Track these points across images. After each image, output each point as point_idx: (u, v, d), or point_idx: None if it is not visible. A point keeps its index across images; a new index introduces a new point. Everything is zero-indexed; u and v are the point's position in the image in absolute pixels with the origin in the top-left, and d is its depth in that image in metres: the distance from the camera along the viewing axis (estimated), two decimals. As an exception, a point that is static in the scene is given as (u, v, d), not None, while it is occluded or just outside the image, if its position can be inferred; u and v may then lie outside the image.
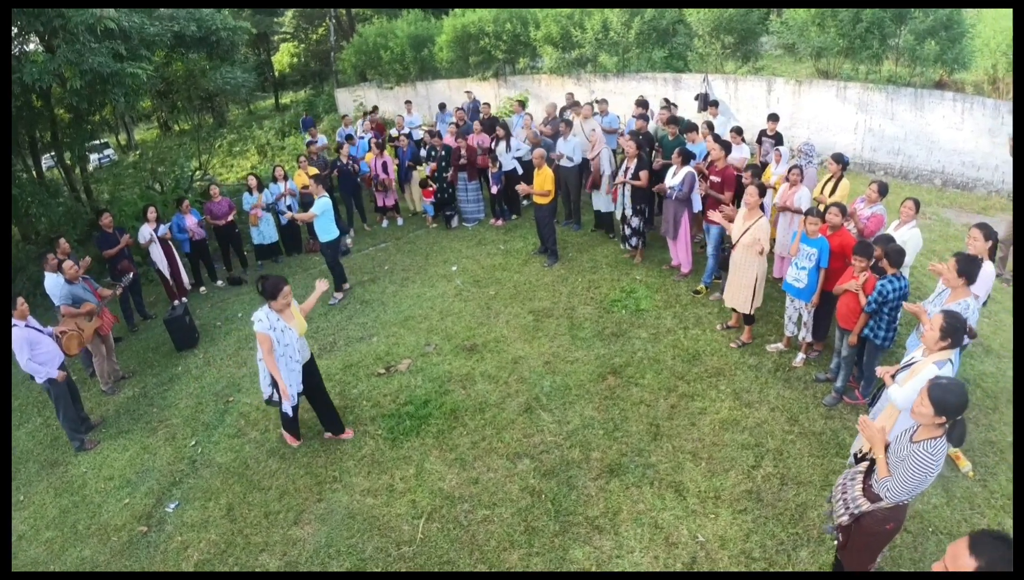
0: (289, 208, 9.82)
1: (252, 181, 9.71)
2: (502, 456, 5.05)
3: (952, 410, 2.83)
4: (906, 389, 3.50)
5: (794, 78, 11.33)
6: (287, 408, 5.13)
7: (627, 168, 7.53)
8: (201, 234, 9.18)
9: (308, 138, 13.42)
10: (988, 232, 4.59)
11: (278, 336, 4.79)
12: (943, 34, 9.59)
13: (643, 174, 7.36)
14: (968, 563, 2.18)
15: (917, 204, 5.38)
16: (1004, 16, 10.45)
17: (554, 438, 5.17)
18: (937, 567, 2.33)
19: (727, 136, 7.98)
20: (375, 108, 16.75)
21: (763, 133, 8.58)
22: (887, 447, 3.17)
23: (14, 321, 5.74)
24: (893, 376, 3.72)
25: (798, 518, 4.26)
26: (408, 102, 13.88)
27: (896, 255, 4.60)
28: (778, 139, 8.57)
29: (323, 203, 7.85)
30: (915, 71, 10.31)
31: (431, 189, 10.20)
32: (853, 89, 10.57)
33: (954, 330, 3.43)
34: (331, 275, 8.28)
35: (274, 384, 4.97)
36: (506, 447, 5.14)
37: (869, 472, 3.28)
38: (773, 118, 8.64)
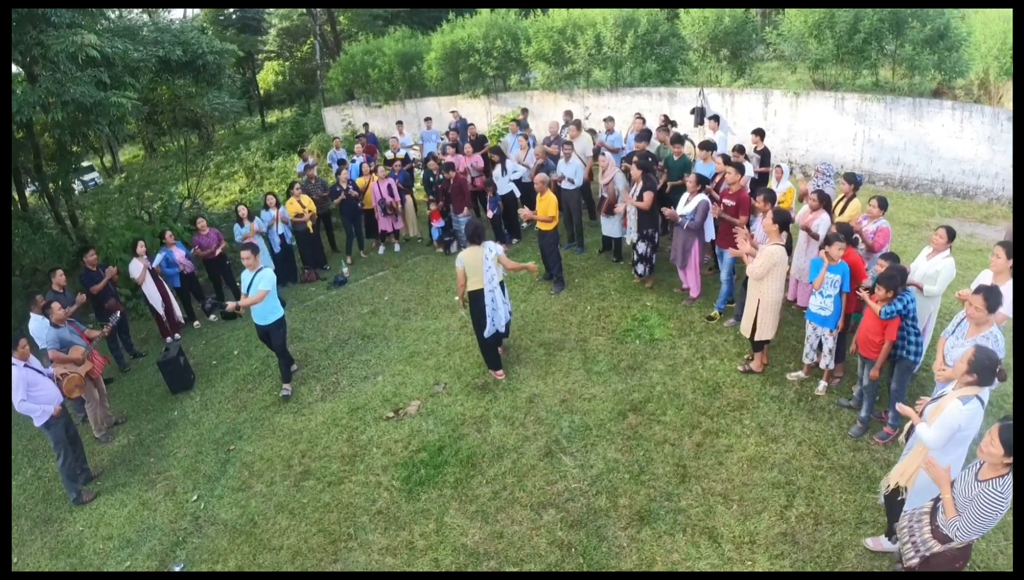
0: (283, 237, 9.53)
1: (242, 211, 9.22)
2: (525, 506, 4.82)
3: None
4: (935, 428, 3.41)
5: (791, 90, 11.24)
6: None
7: (634, 190, 7.32)
8: (191, 268, 8.85)
9: (301, 163, 12.97)
10: (1010, 250, 4.51)
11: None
12: (940, 43, 9.56)
13: (647, 196, 7.04)
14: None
15: (951, 233, 5.12)
16: (993, 21, 10.48)
17: (578, 484, 4.95)
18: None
19: (728, 152, 7.79)
20: (365, 125, 16.57)
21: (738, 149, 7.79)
22: (952, 485, 3.12)
23: (14, 360, 5.50)
24: (920, 413, 3.64)
25: (836, 560, 4.11)
26: (399, 123, 13.68)
27: (901, 274, 4.62)
28: (764, 155, 8.26)
29: (268, 277, 6.47)
30: (913, 80, 10.28)
31: (437, 211, 9.77)
32: (851, 100, 10.51)
33: (982, 366, 3.31)
34: (279, 361, 6.92)
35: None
36: (529, 496, 4.90)
37: (934, 512, 3.23)
38: (759, 133, 8.30)
